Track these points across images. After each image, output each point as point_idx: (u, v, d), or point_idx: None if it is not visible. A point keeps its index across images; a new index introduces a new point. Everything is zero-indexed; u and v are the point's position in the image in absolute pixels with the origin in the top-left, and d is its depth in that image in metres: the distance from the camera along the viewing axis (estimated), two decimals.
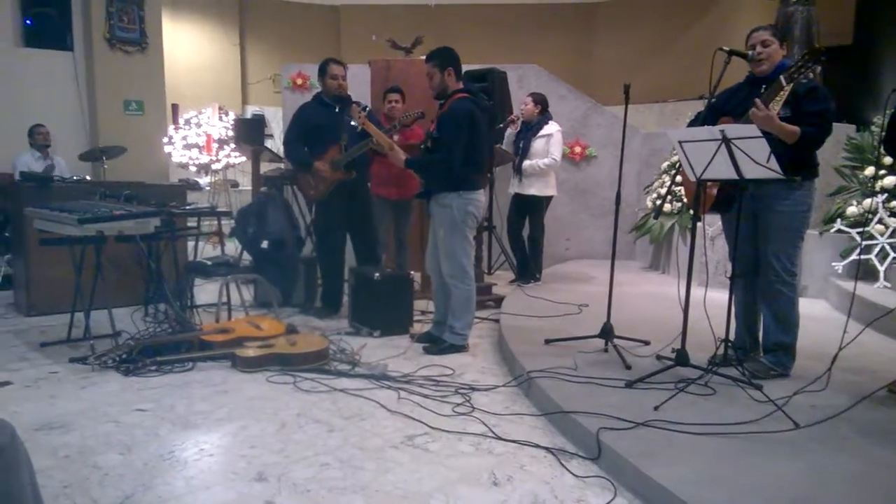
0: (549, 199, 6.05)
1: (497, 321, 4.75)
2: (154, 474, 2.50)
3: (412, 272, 5.05)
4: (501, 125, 5.81)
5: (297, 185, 5.24)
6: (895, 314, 3.63)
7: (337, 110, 4.82)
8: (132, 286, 4.91)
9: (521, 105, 6.01)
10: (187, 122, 10.37)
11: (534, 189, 5.91)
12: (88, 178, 7.00)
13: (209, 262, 4.72)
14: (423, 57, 4.26)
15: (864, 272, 4.63)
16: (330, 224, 5.03)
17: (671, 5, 11.90)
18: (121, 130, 8.04)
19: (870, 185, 5.23)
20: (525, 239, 6.08)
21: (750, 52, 3.28)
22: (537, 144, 5.87)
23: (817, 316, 4.67)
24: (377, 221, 5.27)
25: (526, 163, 5.86)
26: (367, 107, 4.76)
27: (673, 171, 5.72)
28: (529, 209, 6.00)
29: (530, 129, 5.93)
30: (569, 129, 7.21)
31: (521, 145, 5.94)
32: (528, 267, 6.06)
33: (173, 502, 2.30)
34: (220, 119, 10.52)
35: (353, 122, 4.59)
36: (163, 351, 3.84)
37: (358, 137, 4.63)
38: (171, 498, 2.33)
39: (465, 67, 5.69)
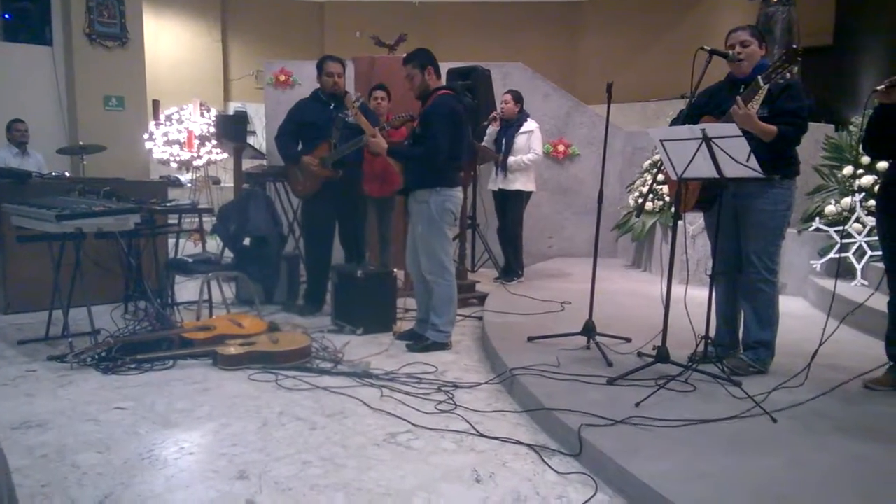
0: (529, 194, 6.11)
1: (480, 319, 4.76)
2: (133, 473, 2.48)
3: (395, 269, 5.04)
4: (485, 123, 5.83)
5: (286, 178, 5.21)
6: (873, 312, 3.68)
7: (332, 107, 4.80)
8: (112, 283, 4.84)
9: (501, 103, 6.03)
10: (168, 118, 10.27)
11: (518, 184, 5.94)
12: (67, 173, 6.90)
13: (190, 260, 4.68)
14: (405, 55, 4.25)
15: (841, 270, 4.70)
16: (318, 219, 5.01)
17: (654, 5, 11.96)
18: (101, 126, 7.93)
19: (848, 184, 5.29)
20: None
21: (730, 53, 3.30)
22: (519, 141, 5.92)
23: (796, 313, 4.72)
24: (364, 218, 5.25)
25: (511, 159, 5.89)
26: (360, 98, 4.73)
27: (655, 170, 5.76)
28: (511, 204, 6.02)
29: (511, 126, 5.97)
30: (552, 127, 7.23)
31: (503, 142, 5.96)
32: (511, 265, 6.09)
33: (153, 501, 2.29)
34: (202, 115, 10.42)
35: (347, 112, 4.53)
36: (143, 349, 3.80)
37: (351, 136, 4.60)
38: (151, 497, 2.31)
39: (448, 65, 5.74)
